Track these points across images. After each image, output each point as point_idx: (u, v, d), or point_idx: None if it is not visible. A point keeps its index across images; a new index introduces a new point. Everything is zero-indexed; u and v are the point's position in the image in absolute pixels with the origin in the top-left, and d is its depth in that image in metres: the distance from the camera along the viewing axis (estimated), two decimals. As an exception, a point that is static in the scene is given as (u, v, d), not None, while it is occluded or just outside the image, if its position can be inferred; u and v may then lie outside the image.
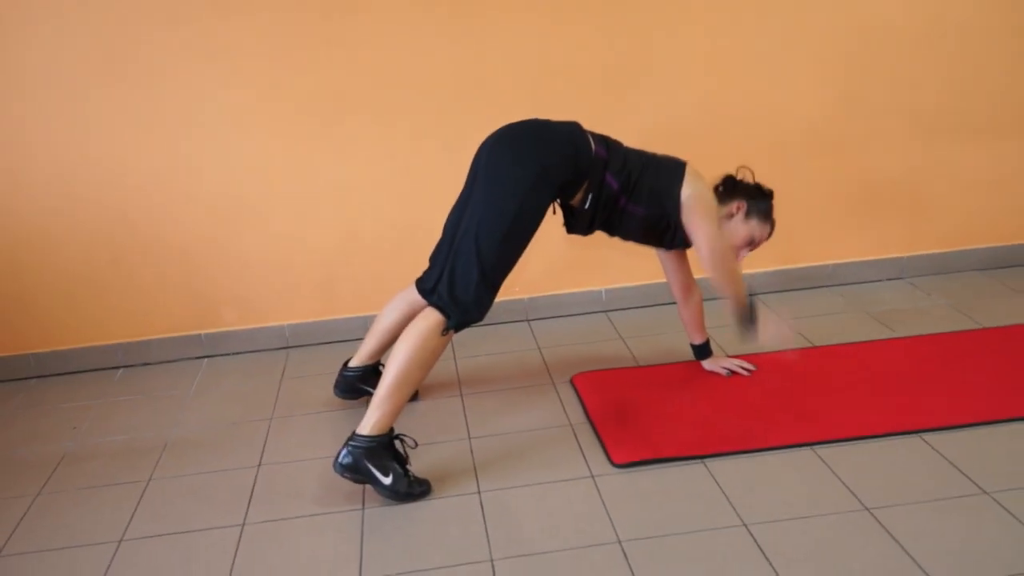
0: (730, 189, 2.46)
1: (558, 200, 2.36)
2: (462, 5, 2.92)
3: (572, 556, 1.94)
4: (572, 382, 2.76)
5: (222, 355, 3.19)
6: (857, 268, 3.43)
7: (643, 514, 2.08)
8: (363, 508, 2.19)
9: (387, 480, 2.14)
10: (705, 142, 2.88)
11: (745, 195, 2.44)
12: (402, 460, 2.19)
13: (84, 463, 2.50)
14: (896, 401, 2.48)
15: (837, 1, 3.09)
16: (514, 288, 3.25)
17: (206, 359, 3.17)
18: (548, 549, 1.98)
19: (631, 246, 3.20)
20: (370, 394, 2.60)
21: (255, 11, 2.84)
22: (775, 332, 2.43)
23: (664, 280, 3.29)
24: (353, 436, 2.17)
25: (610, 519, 2.07)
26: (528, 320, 3.31)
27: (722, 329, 2.97)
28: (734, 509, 2.07)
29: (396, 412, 2.18)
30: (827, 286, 3.42)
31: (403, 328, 2.50)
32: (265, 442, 2.55)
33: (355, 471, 2.15)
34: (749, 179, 2.49)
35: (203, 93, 2.90)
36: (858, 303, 3.27)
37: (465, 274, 2.16)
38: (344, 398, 2.71)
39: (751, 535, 1.97)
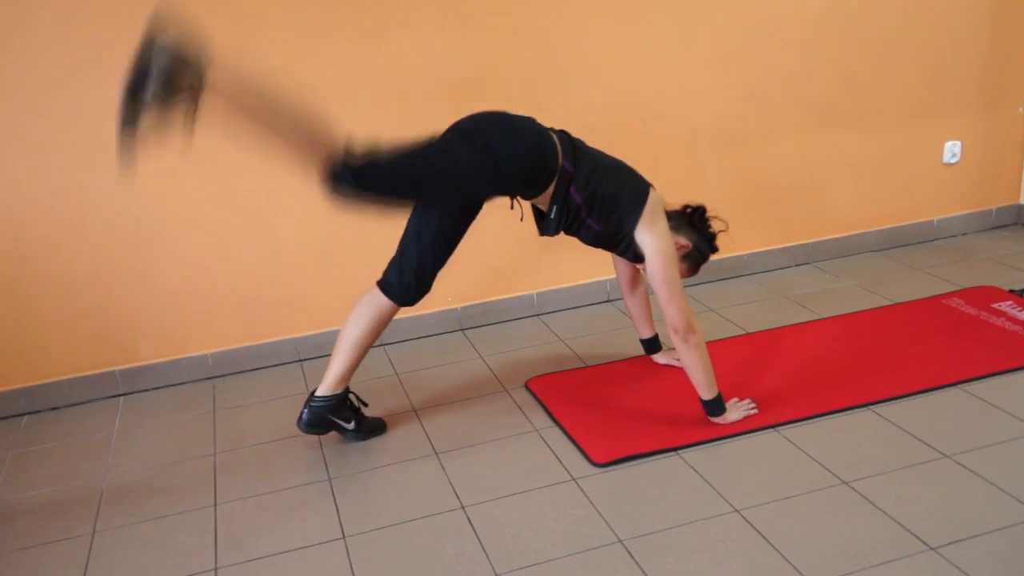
0: (689, 224, 2.43)
1: (519, 199, 2.33)
2: (376, 18, 2.84)
3: (578, 561, 1.91)
4: (528, 387, 2.73)
5: (140, 391, 2.95)
6: (768, 256, 3.58)
7: (635, 511, 2.07)
8: (344, 537, 2.07)
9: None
10: (617, 141, 2.89)
11: (695, 239, 2.43)
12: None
13: (10, 523, 2.24)
14: (840, 378, 2.60)
15: (735, 2, 3.22)
16: (447, 299, 3.19)
17: (123, 397, 2.92)
18: (552, 557, 1.94)
19: (558, 249, 3.23)
20: (340, 430, 2.49)
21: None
22: (740, 414, 2.42)
23: (593, 279, 3.37)
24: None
25: (604, 520, 2.05)
26: (463, 330, 3.24)
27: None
28: (722, 496, 2.10)
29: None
30: (744, 275, 3.55)
31: (371, 340, 2.41)
32: (215, 480, 2.37)
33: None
34: (713, 226, 2.48)
35: (102, 111, 2.67)
36: (775, 289, 3.41)
37: (375, 151, 2.12)
38: (310, 433, 2.46)
39: (745, 519, 2.01)
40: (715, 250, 2.50)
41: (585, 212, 2.29)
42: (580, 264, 3.31)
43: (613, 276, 3.35)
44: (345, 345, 2.38)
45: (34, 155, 2.66)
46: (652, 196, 2.33)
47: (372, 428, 2.52)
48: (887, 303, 3.16)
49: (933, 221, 3.80)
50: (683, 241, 2.40)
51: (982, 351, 2.68)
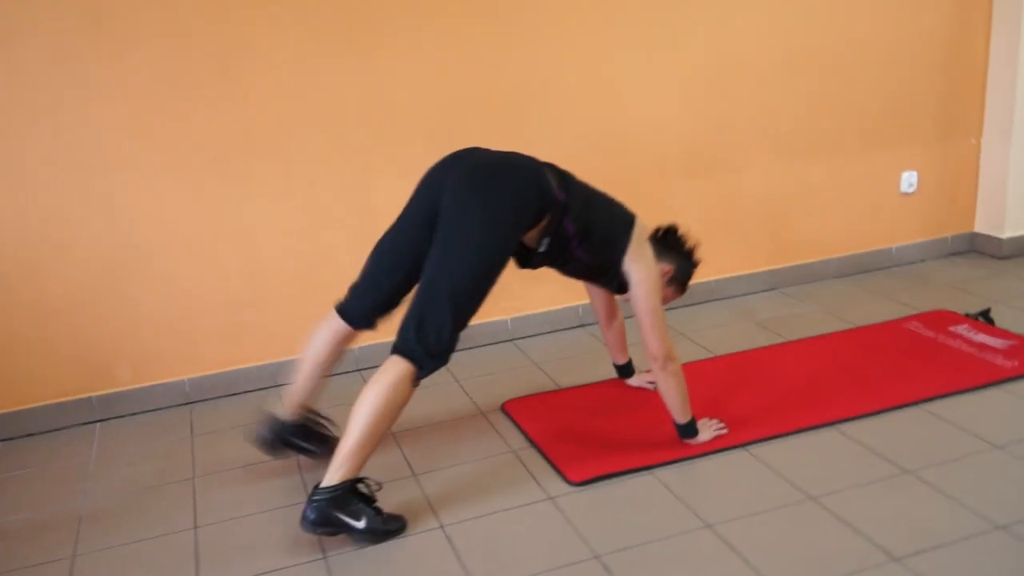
0: (666, 247, 2.49)
1: None
2: (357, 43, 2.92)
3: (557, 576, 1.96)
4: (504, 409, 2.78)
5: (117, 417, 2.95)
6: (735, 282, 3.68)
7: (611, 527, 2.13)
8: (325, 556, 2.10)
9: (360, 524, 2.08)
10: (592, 168, 2.99)
11: (676, 260, 2.49)
12: (370, 500, 2.13)
13: (-12, 548, 2.25)
14: (806, 398, 2.69)
15: (703, 37, 3.35)
16: (422, 323, 3.24)
17: (99, 423, 2.92)
18: (531, 573, 1.98)
19: (531, 276, 3.28)
20: (304, 450, 2.52)
21: (142, 50, 2.70)
22: (711, 434, 2.49)
23: (566, 305, 3.45)
24: (315, 491, 2.08)
25: (581, 536, 2.10)
26: (438, 354, 3.29)
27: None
28: (694, 513, 2.17)
29: (362, 464, 2.11)
30: (712, 300, 3.65)
31: (333, 365, 2.45)
32: (194, 503, 2.39)
33: (325, 524, 2.07)
34: (686, 242, 2.54)
35: (84, 136, 2.71)
36: (742, 314, 3.51)
37: (437, 322, 2.09)
38: (270, 455, 2.49)
39: (717, 535, 2.07)
40: (696, 263, 2.55)
41: (576, 243, 2.28)
42: (553, 290, 3.38)
43: (585, 302, 3.43)
44: (305, 369, 2.42)
45: (16, 179, 2.68)
46: (638, 225, 2.37)
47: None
48: (850, 327, 3.27)
49: (892, 248, 3.94)
50: (666, 267, 2.46)
51: (941, 372, 2.78)
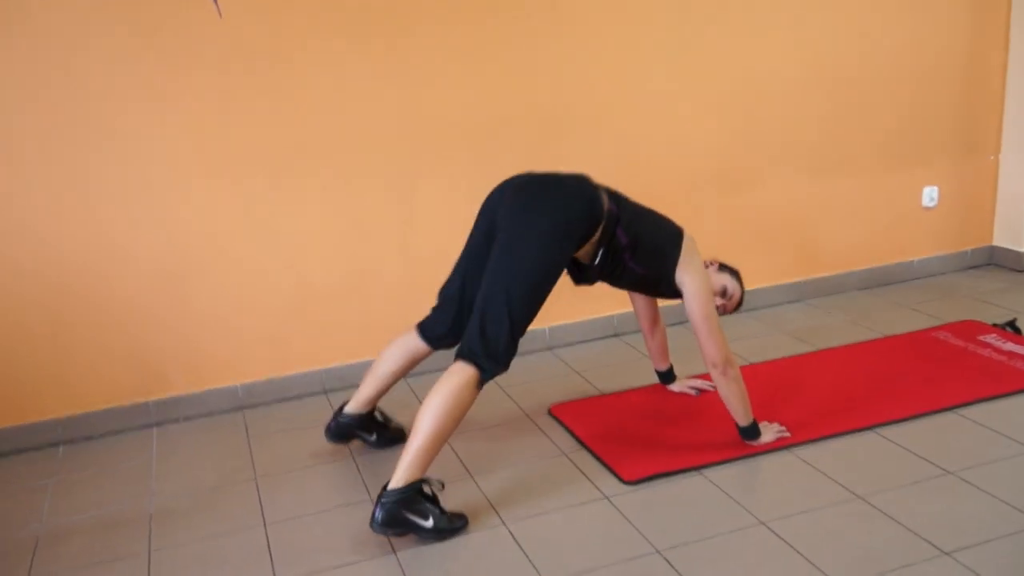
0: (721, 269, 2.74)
1: None
2: (402, 61, 3.03)
3: (619, 570, 2.05)
4: (551, 413, 2.88)
5: (172, 422, 3.04)
6: (764, 293, 3.78)
7: (668, 524, 2.22)
8: (395, 552, 2.19)
9: (428, 523, 2.17)
10: (625, 181, 3.08)
11: (729, 278, 2.71)
12: (434, 501, 2.22)
13: (64, 543, 2.32)
14: (844, 403, 2.78)
15: (731, 56, 3.47)
16: (465, 331, 3.33)
17: (156, 427, 3.01)
18: (595, 566, 2.07)
19: (568, 285, 3.39)
20: (363, 440, 2.65)
21: (200, 64, 2.81)
22: (773, 435, 2.59)
23: (602, 315, 3.54)
24: (384, 492, 2.16)
25: (640, 532, 2.19)
26: (479, 362, 3.38)
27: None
28: (747, 510, 2.26)
29: (427, 466, 2.20)
30: (742, 311, 3.74)
31: (401, 375, 2.58)
32: (260, 502, 2.47)
33: (394, 524, 2.16)
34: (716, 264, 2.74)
35: (143, 149, 2.81)
36: (773, 324, 3.61)
37: (497, 329, 2.21)
38: (335, 442, 2.68)
39: (772, 531, 2.16)
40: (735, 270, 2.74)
41: (629, 254, 2.40)
42: (589, 299, 3.47)
43: (619, 312, 3.54)
44: (377, 376, 2.60)
45: (81, 190, 2.78)
46: (686, 237, 2.49)
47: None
48: (878, 336, 3.37)
49: (913, 261, 4.05)
50: (724, 279, 2.65)
51: (973, 379, 2.88)
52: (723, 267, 2.72)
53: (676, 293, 2.51)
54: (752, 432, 2.54)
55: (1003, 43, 3.92)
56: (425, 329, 2.54)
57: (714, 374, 2.45)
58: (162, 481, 2.64)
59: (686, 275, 2.45)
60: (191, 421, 3.04)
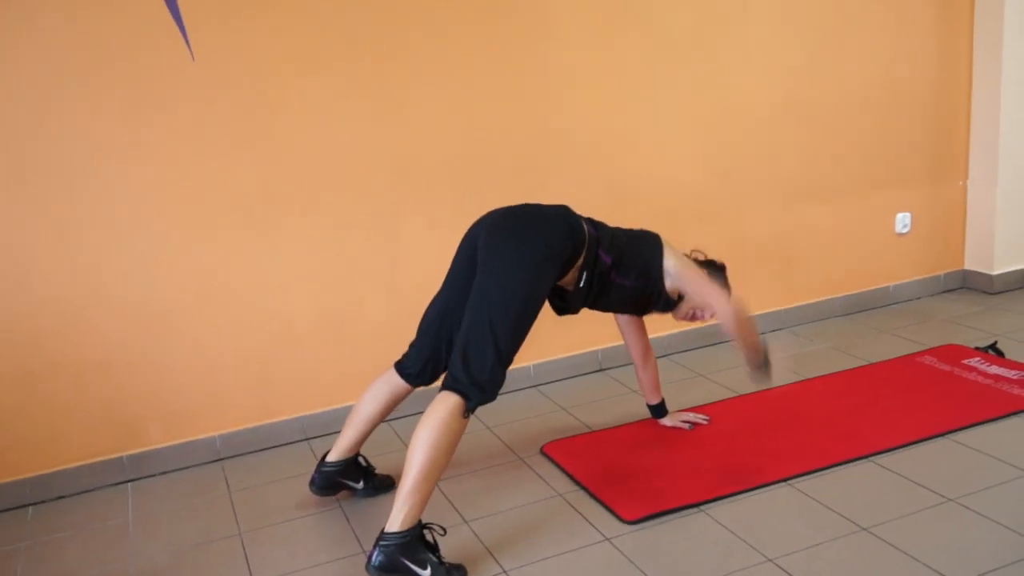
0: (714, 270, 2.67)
1: None
2: (383, 98, 2.99)
3: (631, 615, 1.99)
4: (544, 452, 2.81)
5: (147, 477, 2.91)
6: (745, 323, 3.77)
7: (675, 565, 2.16)
8: (393, 607, 2.10)
9: (426, 573, 2.09)
10: (606, 213, 3.08)
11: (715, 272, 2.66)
12: (434, 549, 2.14)
13: (40, 613, 2.20)
14: (837, 433, 2.76)
15: (708, 90, 3.50)
16: (448, 372, 3.26)
17: (130, 483, 2.88)
18: (604, 613, 2.00)
19: (552, 320, 3.36)
20: (350, 489, 2.57)
21: (177, 105, 2.74)
22: (781, 369, 2.61)
23: (586, 349, 3.50)
24: (383, 535, 2.09)
25: (646, 575, 2.13)
26: (464, 402, 3.31)
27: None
28: (753, 548, 2.21)
29: (424, 503, 2.12)
30: (725, 342, 3.73)
31: (383, 417, 2.52)
32: (247, 558, 2.37)
33: (392, 570, 2.07)
34: (700, 258, 2.69)
35: (117, 193, 2.73)
36: (756, 354, 3.59)
37: (481, 356, 2.17)
38: (321, 495, 2.59)
39: (781, 568, 2.11)
40: (722, 266, 2.72)
41: (614, 272, 2.41)
42: (572, 335, 3.44)
43: (604, 346, 3.50)
44: (359, 419, 2.53)
45: (49, 239, 2.68)
46: (664, 240, 2.54)
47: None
48: (863, 363, 3.37)
49: (889, 287, 4.08)
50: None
51: (961, 404, 2.88)
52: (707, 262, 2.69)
53: (668, 303, 2.50)
54: (764, 362, 2.46)
55: (967, 74, 4.00)
56: (403, 367, 2.49)
57: (726, 322, 2.45)
58: (141, 540, 2.52)
59: (668, 260, 2.48)
60: (167, 475, 2.92)
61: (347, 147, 2.98)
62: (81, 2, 2.59)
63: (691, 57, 3.45)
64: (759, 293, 3.80)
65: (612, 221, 2.70)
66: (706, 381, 3.34)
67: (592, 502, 2.50)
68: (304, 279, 3.01)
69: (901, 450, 2.65)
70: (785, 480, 2.52)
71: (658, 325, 3.20)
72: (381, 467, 2.72)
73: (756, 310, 3.79)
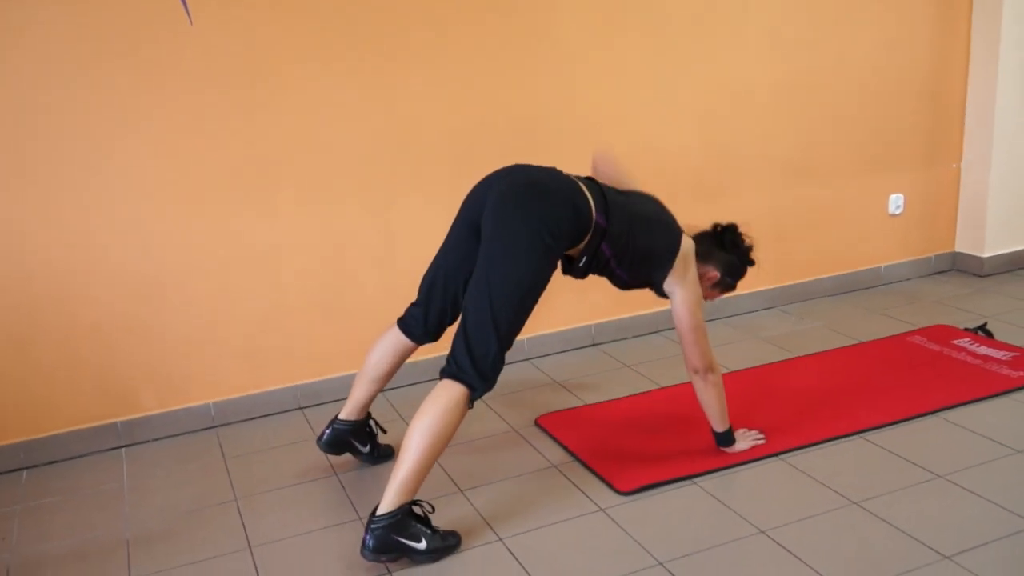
0: (720, 246, 2.54)
1: None
2: (380, 70, 2.97)
3: (625, 583, 2.01)
4: (539, 424, 2.83)
5: (141, 443, 2.91)
6: (738, 301, 3.80)
7: (668, 535, 2.19)
8: (390, 573, 2.12)
9: (422, 545, 2.10)
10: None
11: (726, 262, 2.53)
12: (426, 522, 2.15)
13: (36, 573, 2.20)
14: (828, 409, 2.79)
15: (708, 68, 3.49)
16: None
17: (124, 448, 2.88)
18: (599, 581, 2.03)
19: (546, 294, 3.37)
20: (356, 451, 2.61)
21: (173, 78, 2.71)
22: (749, 443, 2.58)
23: (579, 324, 3.51)
24: (373, 518, 2.08)
25: (640, 545, 2.16)
26: (458, 374, 3.33)
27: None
28: (745, 519, 2.24)
29: (418, 488, 2.13)
30: (717, 318, 3.75)
31: (393, 372, 2.54)
32: (243, 524, 2.38)
33: (387, 550, 2.08)
34: (742, 242, 2.56)
35: (112, 162, 2.71)
36: (748, 331, 3.62)
37: (485, 346, 2.14)
38: (327, 451, 2.59)
39: (772, 539, 2.15)
40: (751, 263, 2.60)
41: (615, 263, 2.36)
42: (567, 309, 3.45)
43: (597, 320, 3.52)
44: (369, 377, 2.53)
45: (41, 208, 2.66)
46: (683, 247, 2.39)
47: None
48: (855, 342, 3.40)
49: (880, 268, 4.11)
50: (712, 272, 2.52)
51: (951, 383, 2.92)
52: (721, 245, 2.56)
53: (664, 295, 2.49)
54: (727, 439, 2.53)
55: (964, 57, 4.01)
56: (408, 327, 2.48)
57: (695, 379, 2.44)
58: (136, 505, 2.53)
59: (676, 286, 2.40)
60: (162, 442, 2.92)
61: (342, 123, 2.96)
62: (79, -38, 2.56)
63: (690, 37, 3.43)
64: (751, 272, 3.80)
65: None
66: (699, 357, 3.36)
67: (586, 473, 2.52)
68: (297, 250, 3.00)
69: (891, 427, 2.68)
70: (777, 455, 2.55)
71: (647, 302, 3.21)
72: (383, 439, 2.74)
73: (748, 288, 3.81)
